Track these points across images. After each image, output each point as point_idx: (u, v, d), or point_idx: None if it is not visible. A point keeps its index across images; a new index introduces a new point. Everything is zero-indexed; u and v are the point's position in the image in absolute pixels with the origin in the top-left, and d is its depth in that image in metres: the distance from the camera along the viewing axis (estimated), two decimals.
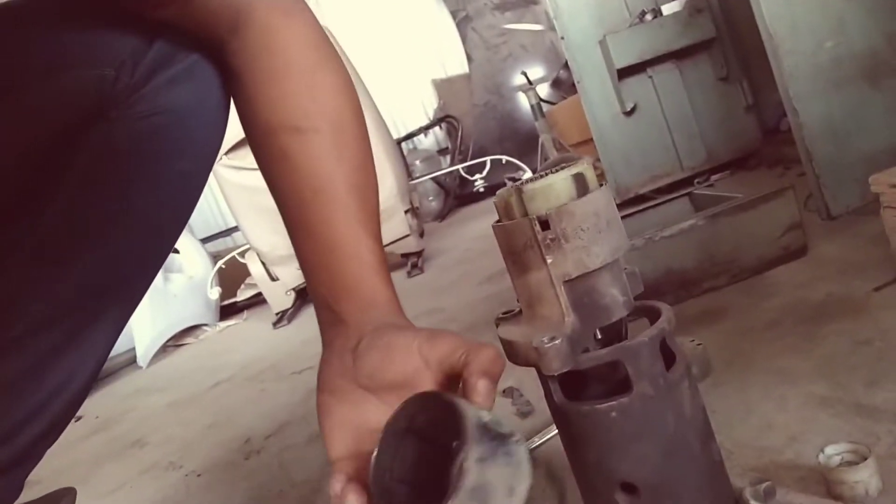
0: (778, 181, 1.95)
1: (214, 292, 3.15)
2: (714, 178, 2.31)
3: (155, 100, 0.60)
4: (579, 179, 0.57)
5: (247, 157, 2.69)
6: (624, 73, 2.30)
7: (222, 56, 0.62)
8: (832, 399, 0.77)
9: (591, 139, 2.38)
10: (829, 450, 0.62)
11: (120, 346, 2.99)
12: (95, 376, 0.68)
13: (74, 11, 0.58)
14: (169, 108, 0.61)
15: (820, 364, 0.86)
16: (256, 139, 0.63)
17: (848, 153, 1.37)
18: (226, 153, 2.61)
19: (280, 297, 2.84)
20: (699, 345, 0.97)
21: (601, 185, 0.59)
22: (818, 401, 0.78)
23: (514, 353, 0.60)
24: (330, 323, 0.59)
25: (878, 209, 1.04)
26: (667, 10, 2.29)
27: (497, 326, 0.64)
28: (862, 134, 1.37)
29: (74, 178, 0.60)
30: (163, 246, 0.70)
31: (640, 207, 1.57)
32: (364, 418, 0.54)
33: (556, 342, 0.55)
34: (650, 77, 2.34)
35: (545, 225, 0.55)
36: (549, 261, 0.56)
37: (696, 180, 2.31)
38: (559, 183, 0.57)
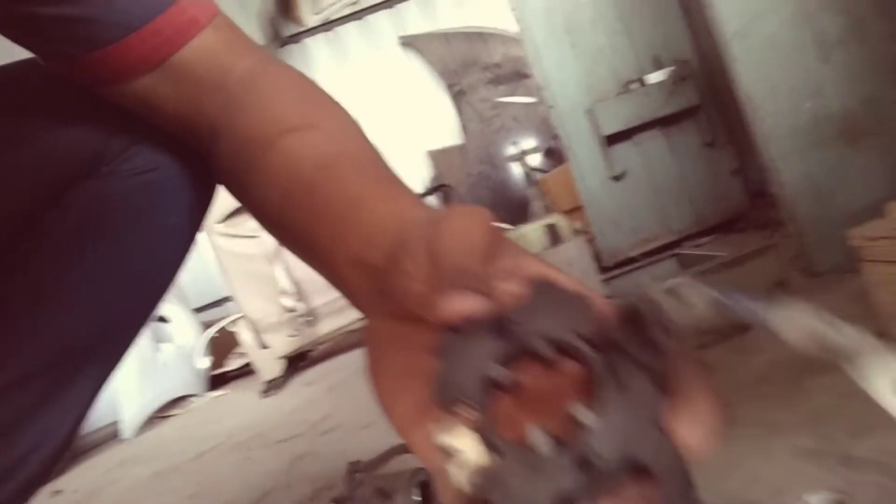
0: (764, 242, 1.96)
1: (204, 362, 3.11)
2: (703, 240, 2.32)
3: (148, 157, 0.60)
4: (552, 230, 0.57)
5: (241, 224, 2.72)
6: (612, 140, 2.34)
7: (212, 132, 0.57)
8: (818, 451, 0.75)
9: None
10: (812, 500, 0.60)
11: (104, 419, 2.93)
12: (73, 437, 0.66)
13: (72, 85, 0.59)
14: (161, 165, 0.61)
15: (806, 417, 0.85)
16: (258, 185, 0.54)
17: (829, 211, 1.39)
18: (221, 221, 2.63)
19: (269, 365, 2.81)
20: None
21: (576, 235, 0.59)
22: (805, 453, 0.76)
23: None
24: (369, 288, 0.43)
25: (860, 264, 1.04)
26: (652, 79, 2.35)
27: None
28: (842, 192, 1.39)
29: (61, 233, 0.60)
30: (149, 303, 0.69)
31: (628, 268, 1.57)
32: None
33: None
34: (637, 143, 2.39)
35: None
36: None
37: (684, 243, 2.32)
38: (532, 233, 0.57)
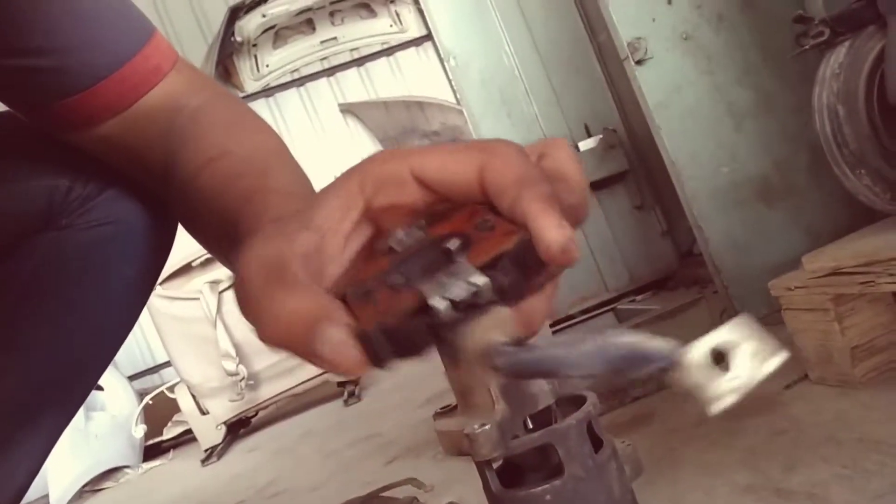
0: (694, 297, 2.07)
1: (139, 430, 3.00)
2: (638, 297, 2.43)
3: (107, 210, 0.63)
4: None
5: (182, 286, 2.68)
6: None
7: (165, 170, 0.57)
8: (755, 486, 0.81)
9: None
10: None
11: (32, 493, 2.77)
12: (23, 494, 0.66)
13: (36, 130, 0.62)
14: (119, 219, 0.64)
15: (742, 455, 0.91)
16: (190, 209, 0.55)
17: (751, 266, 1.50)
18: (160, 283, 2.59)
19: (210, 431, 2.73)
20: (629, 445, 1.01)
21: None
22: (742, 488, 0.82)
23: (449, 442, 0.62)
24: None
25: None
26: (583, 146, 2.50)
27: (434, 420, 0.67)
28: (762, 248, 1.51)
29: (17, 284, 0.62)
30: (103, 355, 0.70)
31: (569, 323, 1.64)
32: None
33: (486, 428, 0.58)
34: None
35: None
36: None
37: (621, 300, 2.42)
38: None
